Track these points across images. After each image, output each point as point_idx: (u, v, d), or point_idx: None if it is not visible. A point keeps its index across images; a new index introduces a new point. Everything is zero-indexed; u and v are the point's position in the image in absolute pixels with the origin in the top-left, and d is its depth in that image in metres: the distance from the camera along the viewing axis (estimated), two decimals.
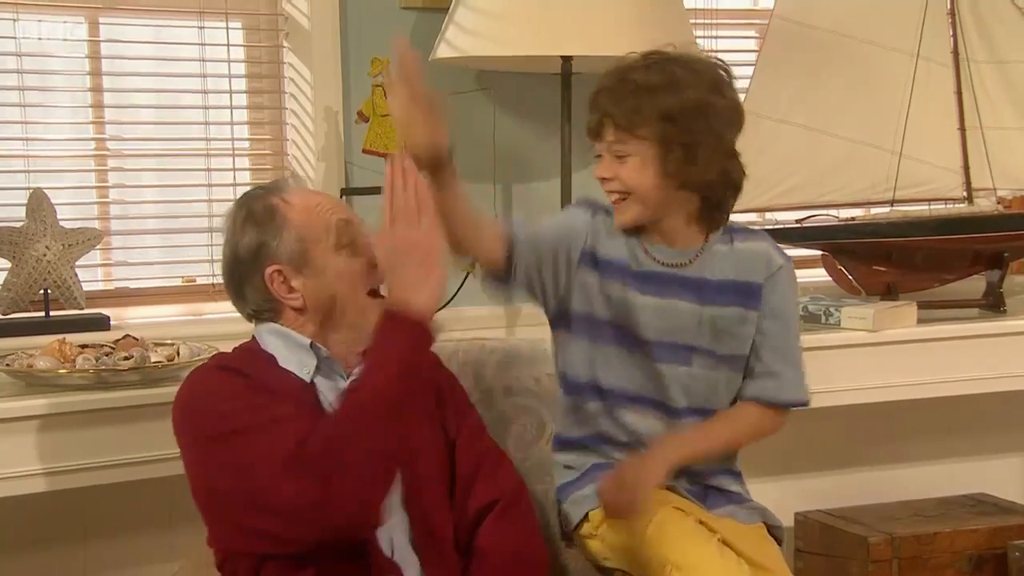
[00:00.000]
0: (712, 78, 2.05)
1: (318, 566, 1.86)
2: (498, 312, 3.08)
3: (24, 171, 2.79)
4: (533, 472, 2.29)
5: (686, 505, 2.10)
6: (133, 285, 2.93)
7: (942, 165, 3.26)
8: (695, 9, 3.34)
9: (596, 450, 2.18)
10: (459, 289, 2.91)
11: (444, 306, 2.88)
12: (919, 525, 3.16)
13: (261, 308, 2.01)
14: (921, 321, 3.05)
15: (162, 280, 2.97)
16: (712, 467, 2.18)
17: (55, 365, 2.36)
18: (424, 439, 2.01)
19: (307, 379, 1.97)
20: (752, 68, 3.22)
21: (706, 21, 3.40)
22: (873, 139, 3.22)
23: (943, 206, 3.30)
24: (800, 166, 3.21)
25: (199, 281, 2.96)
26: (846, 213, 3.28)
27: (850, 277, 3.27)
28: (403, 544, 1.97)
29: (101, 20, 2.86)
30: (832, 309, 3.00)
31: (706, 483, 2.18)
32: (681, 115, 2.00)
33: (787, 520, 2.48)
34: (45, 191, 2.67)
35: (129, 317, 2.84)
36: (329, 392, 1.97)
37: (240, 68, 3.00)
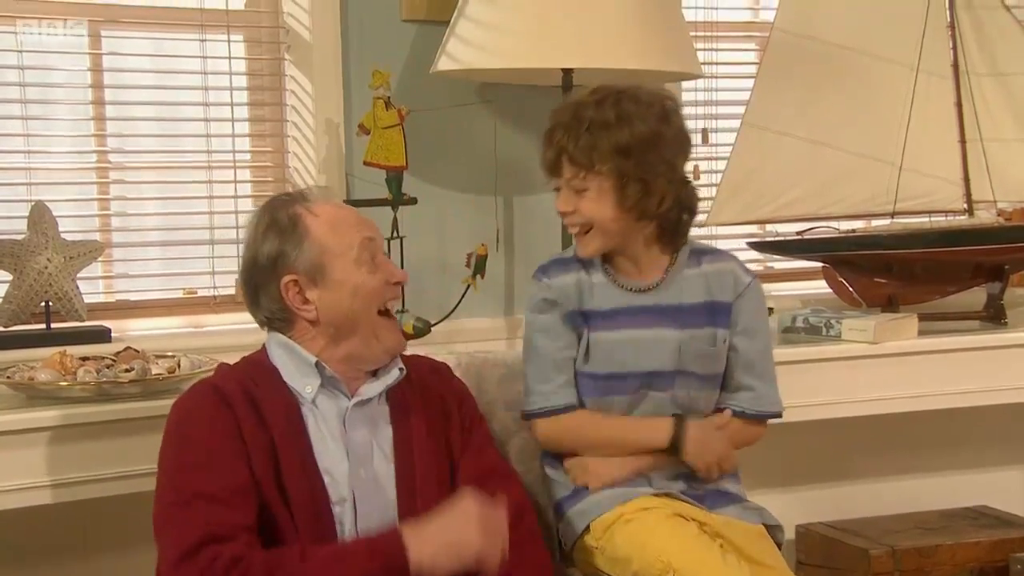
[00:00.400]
0: (660, 108, 2.15)
1: None
2: (499, 324, 3.09)
3: (26, 183, 2.79)
4: (535, 486, 2.31)
5: (686, 510, 2.15)
6: (134, 297, 2.92)
7: (942, 177, 3.26)
8: (695, 22, 3.35)
9: None
10: (460, 302, 2.91)
11: (444, 319, 2.90)
12: (921, 538, 3.16)
13: (274, 316, 2.01)
14: (922, 333, 3.05)
15: (163, 292, 2.96)
16: None
17: (56, 377, 2.35)
18: (424, 452, 2.01)
19: (309, 398, 1.97)
20: (752, 81, 3.23)
21: (706, 34, 3.41)
22: (874, 151, 3.22)
23: (944, 218, 3.31)
24: (801, 178, 3.22)
25: (200, 293, 2.95)
26: (847, 225, 3.28)
27: (851, 289, 3.27)
28: None
29: (103, 33, 2.86)
30: (833, 321, 3.00)
31: (704, 486, 2.24)
32: (635, 148, 2.10)
33: (788, 532, 2.48)
34: (47, 203, 2.67)
35: (130, 329, 2.84)
36: (330, 411, 1.97)
37: (241, 80, 3.01)
